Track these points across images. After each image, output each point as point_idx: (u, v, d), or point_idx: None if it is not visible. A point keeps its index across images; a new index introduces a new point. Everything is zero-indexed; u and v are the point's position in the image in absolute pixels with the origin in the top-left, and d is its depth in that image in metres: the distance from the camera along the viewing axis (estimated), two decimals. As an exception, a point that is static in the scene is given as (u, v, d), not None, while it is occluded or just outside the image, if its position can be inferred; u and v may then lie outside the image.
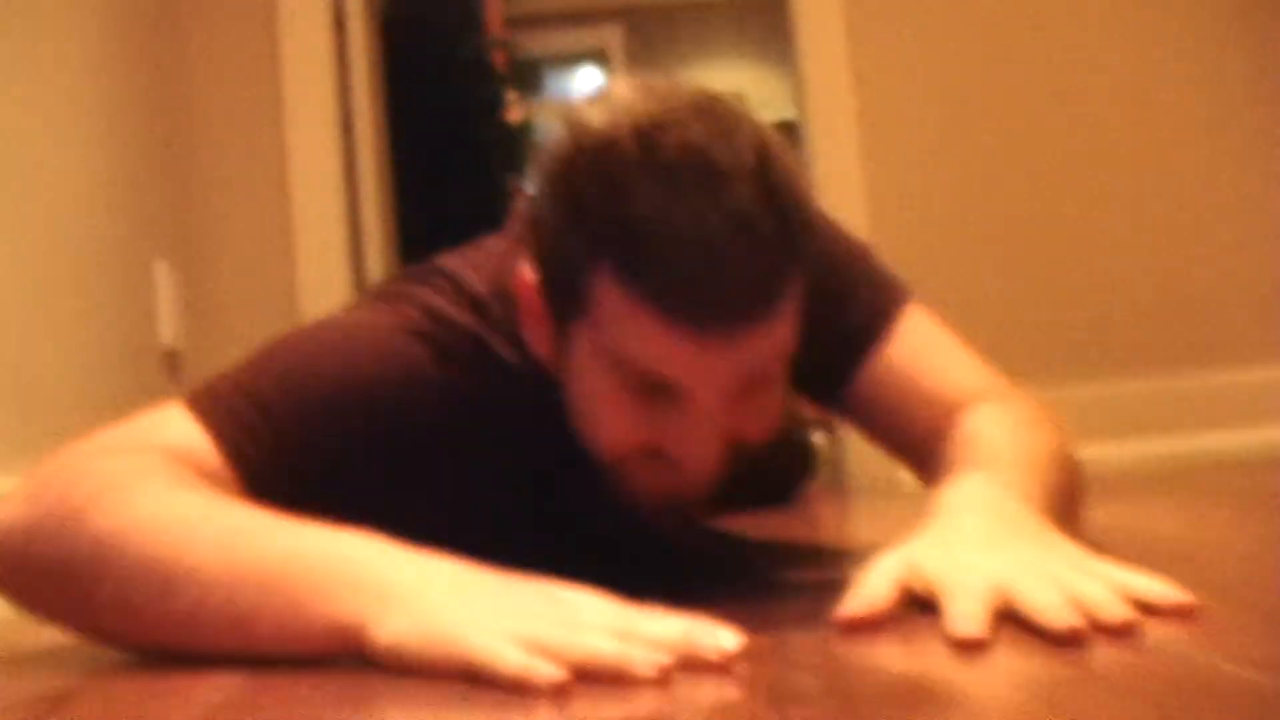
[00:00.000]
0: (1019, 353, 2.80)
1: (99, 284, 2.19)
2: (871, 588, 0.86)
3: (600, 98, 1.04)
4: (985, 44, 2.95)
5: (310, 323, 1.20)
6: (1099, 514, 1.58)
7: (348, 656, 0.83)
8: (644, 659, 0.74)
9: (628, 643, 0.75)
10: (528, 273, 1.10)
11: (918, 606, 0.85)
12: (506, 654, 0.75)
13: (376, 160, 3.07)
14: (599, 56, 8.59)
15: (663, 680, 0.73)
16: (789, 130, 5.43)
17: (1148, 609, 0.79)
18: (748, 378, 1.02)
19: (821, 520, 1.98)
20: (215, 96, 2.83)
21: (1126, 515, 1.59)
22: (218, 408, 1.06)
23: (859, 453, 2.71)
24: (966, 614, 0.78)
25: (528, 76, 5.72)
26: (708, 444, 1.03)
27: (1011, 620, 0.79)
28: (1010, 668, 0.73)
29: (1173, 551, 1.22)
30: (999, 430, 1.14)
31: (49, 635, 1.04)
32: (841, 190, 2.87)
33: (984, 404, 1.19)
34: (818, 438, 2.72)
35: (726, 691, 0.72)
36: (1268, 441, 2.62)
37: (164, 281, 2.46)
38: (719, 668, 0.75)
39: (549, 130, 1.14)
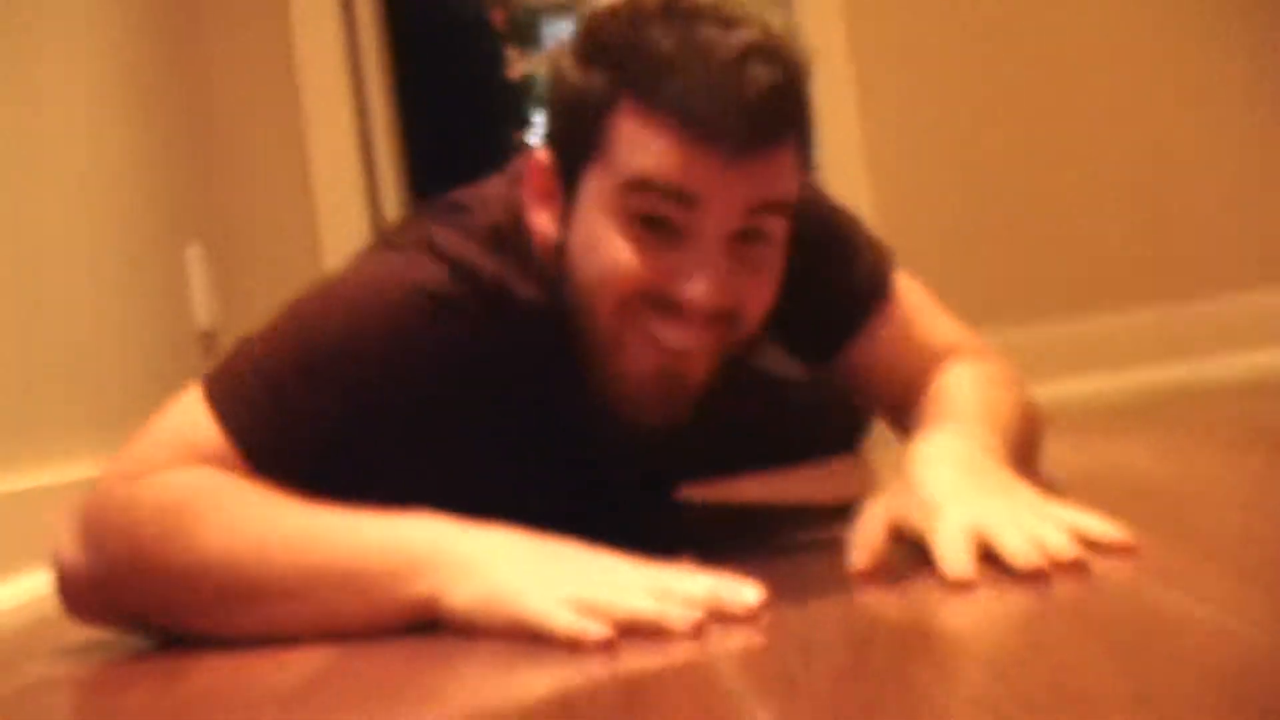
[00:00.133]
0: (1010, 291, 2.92)
1: (136, 271, 2.30)
2: (868, 538, 0.98)
3: None
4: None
5: (327, 281, 1.21)
6: (1082, 453, 1.70)
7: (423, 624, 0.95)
8: (679, 615, 0.85)
9: (664, 601, 0.87)
10: (540, 154, 1.17)
11: (904, 547, 0.97)
12: (560, 616, 0.87)
13: (390, 132, 3.18)
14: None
15: (697, 633, 0.84)
16: None
17: (1096, 547, 0.91)
18: (754, 208, 1.09)
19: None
20: (233, 85, 2.93)
21: (1109, 453, 1.70)
22: (235, 403, 1.09)
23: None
24: (956, 559, 0.90)
25: (526, 31, 5.76)
26: (712, 279, 1.08)
27: (986, 560, 0.91)
28: (991, 608, 0.85)
29: (1140, 490, 1.33)
30: (967, 386, 1.25)
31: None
32: (836, 123, 2.97)
33: (956, 361, 1.31)
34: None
35: (754, 641, 0.83)
36: (1258, 365, 2.70)
37: (197, 266, 2.58)
38: (746, 620, 0.87)
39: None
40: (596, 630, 0.85)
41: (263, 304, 1.33)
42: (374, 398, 1.12)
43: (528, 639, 0.88)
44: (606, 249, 1.10)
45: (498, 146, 4.61)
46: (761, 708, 0.65)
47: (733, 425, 1.49)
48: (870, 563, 0.96)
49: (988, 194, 2.99)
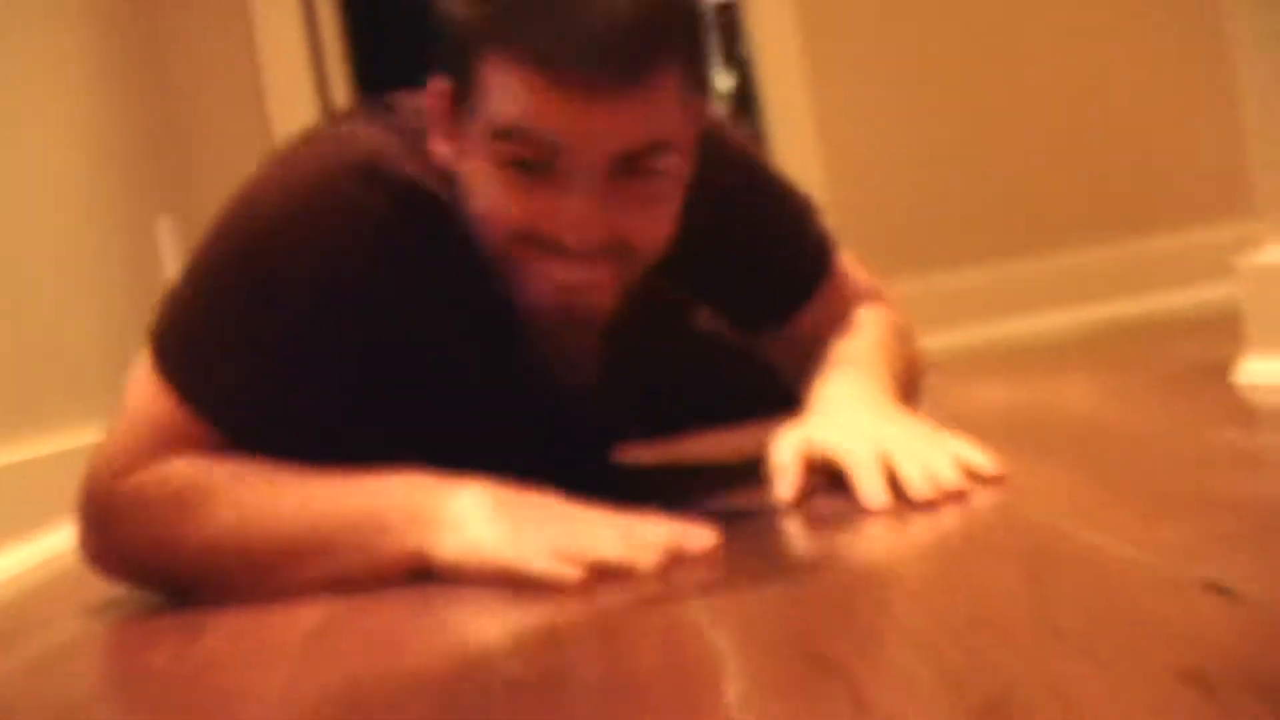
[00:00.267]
0: (959, 232, 3.02)
1: (108, 242, 2.38)
2: (788, 471, 1.12)
3: None
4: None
5: (245, 189, 1.19)
6: (1021, 390, 1.80)
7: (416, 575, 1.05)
8: (645, 558, 0.96)
9: (631, 545, 0.97)
10: (439, 83, 1.15)
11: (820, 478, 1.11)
12: (538, 562, 0.97)
13: (350, 95, 3.24)
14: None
15: (661, 573, 0.95)
16: (728, 10, 5.50)
17: (977, 478, 1.06)
18: (627, 150, 1.07)
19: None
20: (194, 61, 3.00)
21: (1047, 391, 1.80)
22: (191, 374, 1.14)
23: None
24: (874, 490, 1.04)
25: None
26: (585, 220, 1.08)
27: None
28: (917, 541, 0.96)
29: (1070, 427, 1.43)
30: (867, 333, 1.37)
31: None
32: (781, 65, 3.06)
33: (859, 309, 1.41)
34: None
35: (711, 578, 0.94)
36: (1204, 300, 2.78)
37: (167, 236, 2.65)
38: (702, 560, 0.97)
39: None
40: (571, 573, 0.95)
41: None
42: (314, 314, 1.15)
43: (510, 584, 0.98)
44: (485, 191, 1.11)
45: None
46: (722, 635, 0.76)
47: (672, 384, 1.59)
48: (795, 495, 1.09)
49: (934, 140, 3.07)
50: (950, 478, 1.04)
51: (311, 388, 1.17)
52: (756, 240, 1.35)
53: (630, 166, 1.08)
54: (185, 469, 1.14)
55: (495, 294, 1.17)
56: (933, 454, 1.07)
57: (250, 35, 3.02)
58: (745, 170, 1.35)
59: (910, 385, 1.38)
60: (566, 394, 1.32)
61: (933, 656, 0.64)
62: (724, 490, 1.29)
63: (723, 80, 8.48)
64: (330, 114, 1.24)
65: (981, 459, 1.08)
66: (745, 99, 3.55)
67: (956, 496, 1.02)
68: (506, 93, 1.06)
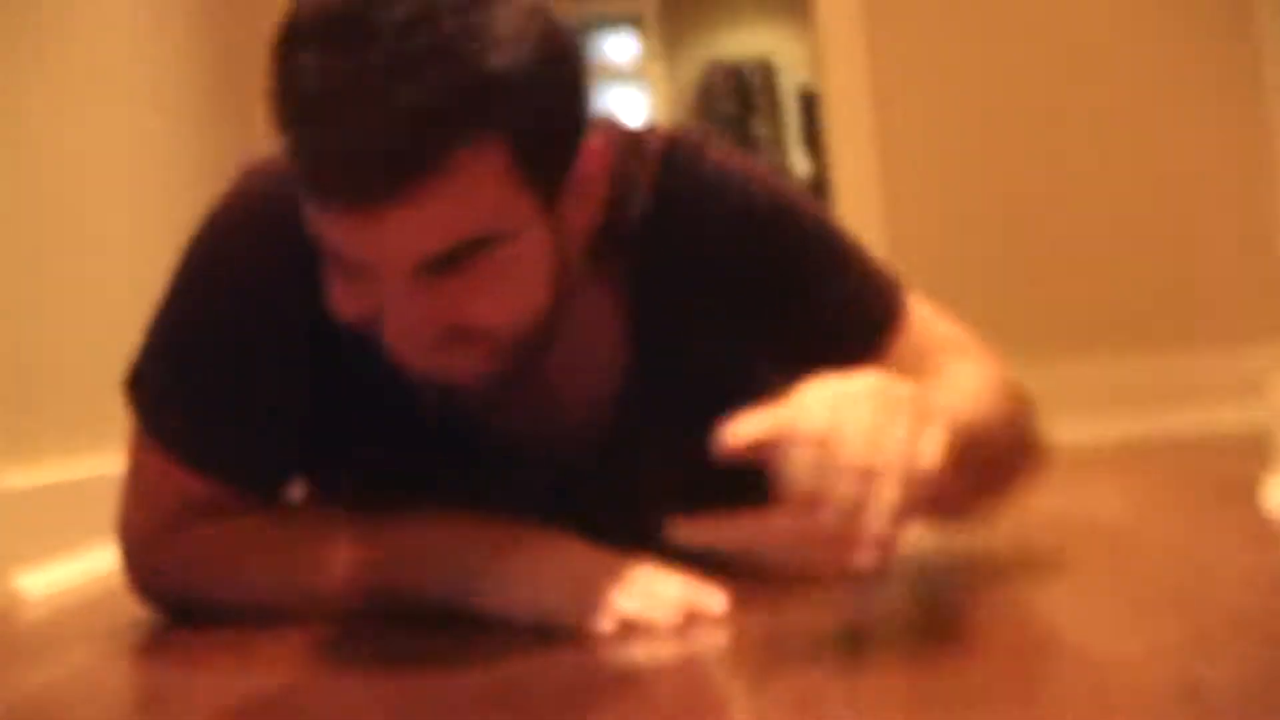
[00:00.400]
0: (1009, 329, 3.05)
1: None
2: (749, 431, 0.89)
3: None
4: (998, 23, 3.16)
5: (186, 273, 1.20)
6: (1054, 490, 1.84)
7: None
8: (666, 616, 1.02)
9: (649, 602, 1.03)
10: None
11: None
12: (571, 611, 1.04)
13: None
14: (634, 21, 8.78)
15: (681, 631, 1.01)
16: (811, 99, 5.47)
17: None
18: (429, 257, 0.96)
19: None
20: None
21: (1073, 494, 1.84)
22: (174, 433, 1.19)
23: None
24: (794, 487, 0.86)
25: None
26: (409, 321, 0.98)
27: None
28: (909, 614, 1.01)
29: (1086, 529, 1.48)
30: (954, 377, 1.13)
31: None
32: (855, 156, 3.12)
33: (953, 360, 1.18)
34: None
35: (728, 637, 1.00)
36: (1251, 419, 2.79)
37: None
38: (718, 619, 1.03)
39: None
40: (602, 624, 1.01)
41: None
42: (239, 358, 1.16)
43: (541, 629, 1.04)
44: (325, 279, 1.03)
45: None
46: (738, 687, 0.81)
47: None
48: (736, 445, 0.88)
49: (989, 240, 3.11)
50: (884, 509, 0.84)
51: (268, 429, 1.19)
52: (807, 288, 1.19)
53: (450, 266, 0.97)
54: (211, 533, 1.20)
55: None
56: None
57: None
58: (802, 235, 1.20)
59: (991, 442, 1.07)
60: (541, 455, 1.23)
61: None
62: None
63: (801, 163, 8.61)
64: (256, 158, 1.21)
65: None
66: (823, 184, 3.62)
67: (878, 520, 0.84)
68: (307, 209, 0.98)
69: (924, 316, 1.23)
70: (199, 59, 2.68)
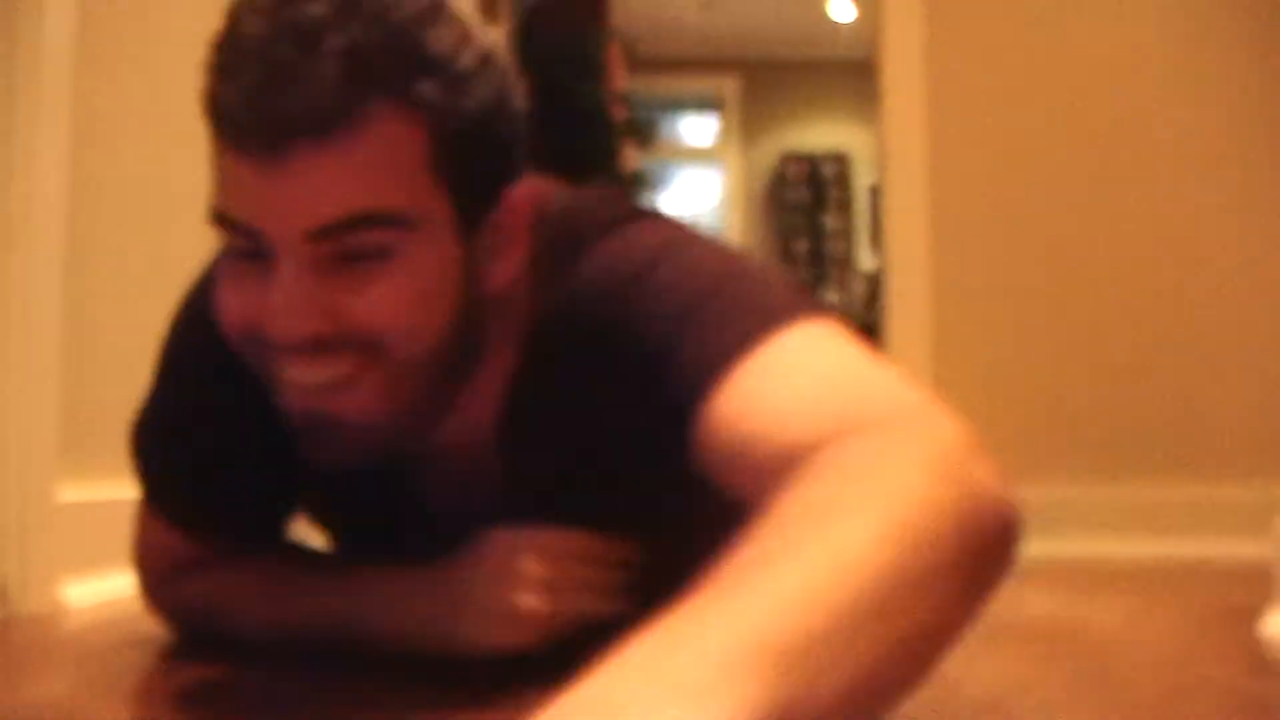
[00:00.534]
0: (1033, 447, 3.09)
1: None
2: None
3: None
4: (1064, 131, 3.20)
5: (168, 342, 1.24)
6: (1055, 601, 1.87)
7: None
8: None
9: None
10: None
11: None
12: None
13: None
14: (715, 104, 8.91)
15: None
16: (878, 194, 5.62)
17: None
18: (321, 224, 0.90)
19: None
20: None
21: (1077, 607, 1.88)
22: (165, 498, 1.26)
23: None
24: None
25: (644, 129, 5.95)
26: (285, 309, 0.91)
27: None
28: None
29: (1082, 642, 1.51)
30: (811, 503, 0.68)
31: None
32: (909, 258, 3.17)
33: (843, 443, 0.76)
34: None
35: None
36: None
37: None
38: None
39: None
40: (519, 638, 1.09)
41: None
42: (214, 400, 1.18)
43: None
44: (216, 287, 0.98)
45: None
46: None
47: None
48: None
49: (1032, 355, 3.13)
50: None
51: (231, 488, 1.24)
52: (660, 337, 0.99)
53: (344, 249, 0.92)
54: (206, 587, 1.28)
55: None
56: None
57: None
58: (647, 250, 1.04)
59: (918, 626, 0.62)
60: (446, 514, 1.21)
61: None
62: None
63: (868, 258, 8.65)
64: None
65: None
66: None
67: None
68: (217, 171, 0.94)
69: (809, 382, 0.86)
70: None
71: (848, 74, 8.64)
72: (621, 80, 5.50)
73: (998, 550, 0.70)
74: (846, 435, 0.77)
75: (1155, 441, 3.11)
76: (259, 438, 1.16)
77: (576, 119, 4.87)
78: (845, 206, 8.81)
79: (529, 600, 1.08)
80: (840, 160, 8.78)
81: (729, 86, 8.82)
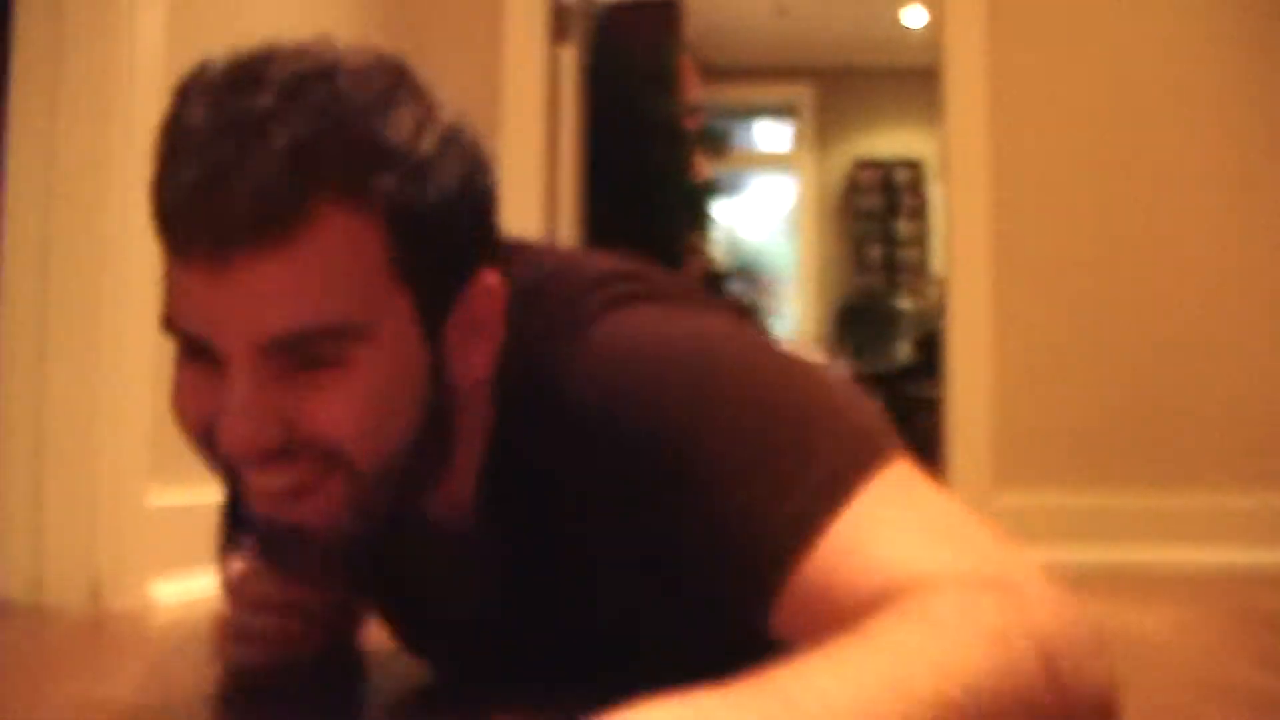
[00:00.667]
0: (1090, 457, 3.11)
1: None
2: None
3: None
4: (1123, 150, 3.22)
5: None
6: (1105, 605, 1.91)
7: None
8: None
9: None
10: None
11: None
12: None
13: (575, 218, 3.49)
14: (789, 112, 8.92)
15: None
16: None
17: None
18: (286, 330, 0.83)
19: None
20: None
21: (1124, 612, 1.91)
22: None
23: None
24: None
25: (717, 139, 5.97)
26: (234, 422, 0.84)
27: None
28: None
29: (1122, 645, 1.54)
30: (877, 641, 0.67)
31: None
32: (969, 267, 3.22)
33: (928, 593, 0.72)
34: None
35: None
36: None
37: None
38: None
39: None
40: None
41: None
42: None
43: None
44: (173, 384, 0.91)
45: (670, 244, 4.84)
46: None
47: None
48: None
49: (1087, 381, 3.16)
50: None
51: None
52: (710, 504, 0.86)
53: (298, 359, 0.85)
54: None
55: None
56: None
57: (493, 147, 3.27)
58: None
59: None
60: (454, 616, 1.11)
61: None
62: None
63: (941, 264, 8.64)
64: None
65: None
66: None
67: None
68: (164, 276, 0.88)
69: (879, 529, 0.80)
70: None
71: (921, 81, 8.55)
72: (694, 91, 5.55)
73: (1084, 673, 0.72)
74: (957, 585, 0.73)
75: (1202, 450, 3.12)
76: None
77: (648, 132, 4.90)
78: (918, 213, 8.79)
79: None
80: (913, 167, 8.77)
81: (803, 94, 8.82)
